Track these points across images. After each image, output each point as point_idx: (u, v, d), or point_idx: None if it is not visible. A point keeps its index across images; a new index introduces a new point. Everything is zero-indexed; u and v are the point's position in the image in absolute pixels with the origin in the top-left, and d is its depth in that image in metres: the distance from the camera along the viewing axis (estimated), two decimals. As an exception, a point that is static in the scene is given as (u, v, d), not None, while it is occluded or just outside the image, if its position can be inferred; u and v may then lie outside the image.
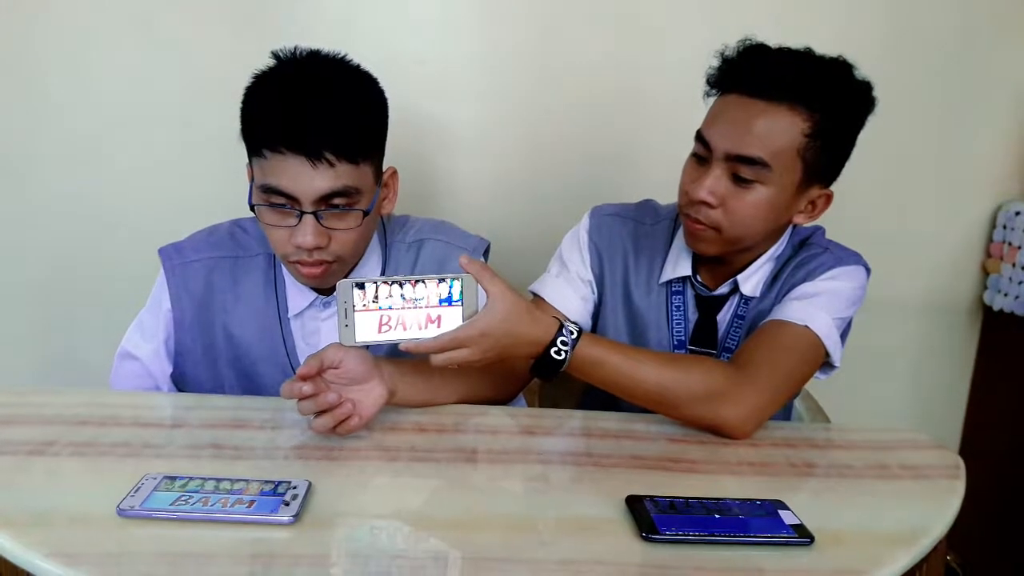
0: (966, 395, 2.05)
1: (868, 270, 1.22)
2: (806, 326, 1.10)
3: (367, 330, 0.94)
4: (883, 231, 1.89)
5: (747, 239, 1.15)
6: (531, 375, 1.03)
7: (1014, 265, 1.84)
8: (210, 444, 0.94)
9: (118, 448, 0.91)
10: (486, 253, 1.32)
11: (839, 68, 1.10)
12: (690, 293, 1.25)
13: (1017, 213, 1.84)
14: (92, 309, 1.80)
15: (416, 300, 0.95)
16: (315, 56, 1.10)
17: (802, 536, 0.78)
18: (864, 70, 1.72)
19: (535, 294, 1.29)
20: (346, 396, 0.95)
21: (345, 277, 1.19)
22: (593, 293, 1.30)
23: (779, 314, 1.14)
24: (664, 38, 1.68)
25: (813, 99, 1.06)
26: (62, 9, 1.64)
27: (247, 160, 1.12)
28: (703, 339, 1.24)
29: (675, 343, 1.25)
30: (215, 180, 1.74)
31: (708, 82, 1.16)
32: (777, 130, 1.07)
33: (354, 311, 0.94)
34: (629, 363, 1.02)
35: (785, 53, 1.11)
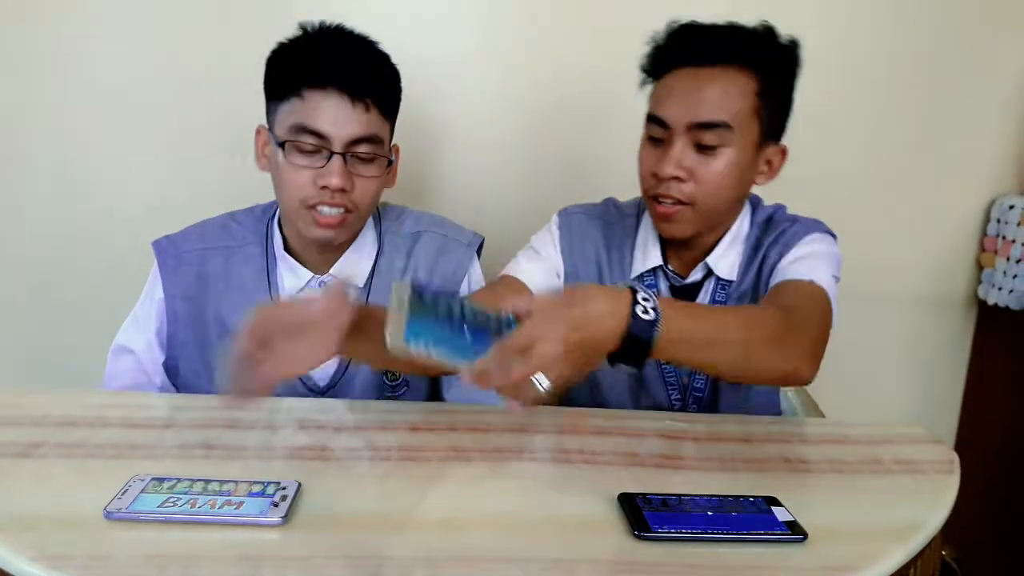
0: (961, 389, 2.05)
1: (834, 236, 1.24)
2: (811, 280, 1.10)
3: None
4: (877, 225, 1.89)
5: (720, 209, 1.16)
6: (613, 363, 0.84)
7: (1008, 259, 1.84)
8: (201, 444, 0.93)
9: (106, 449, 0.91)
10: (479, 249, 1.32)
11: (768, 31, 1.14)
12: (664, 284, 1.25)
13: (1011, 207, 1.84)
14: (83, 310, 1.79)
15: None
16: (342, 27, 1.17)
17: (795, 533, 0.78)
18: (858, 64, 1.72)
19: (505, 275, 1.24)
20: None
21: (342, 255, 1.24)
22: (562, 284, 1.27)
23: (780, 278, 1.13)
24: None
25: (756, 59, 1.11)
26: (54, 4, 1.63)
27: (262, 124, 1.19)
28: None
29: None
30: (208, 179, 1.75)
31: (644, 70, 1.18)
32: (732, 91, 1.10)
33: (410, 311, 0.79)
34: (709, 314, 0.94)
35: (717, 25, 1.14)
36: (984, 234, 1.93)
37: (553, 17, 1.71)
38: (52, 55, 1.66)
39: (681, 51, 1.13)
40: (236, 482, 0.82)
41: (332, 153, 1.11)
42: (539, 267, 1.24)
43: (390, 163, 1.20)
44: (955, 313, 2.00)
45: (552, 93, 1.75)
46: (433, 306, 0.80)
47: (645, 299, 0.82)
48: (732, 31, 1.12)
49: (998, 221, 1.88)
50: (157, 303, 1.24)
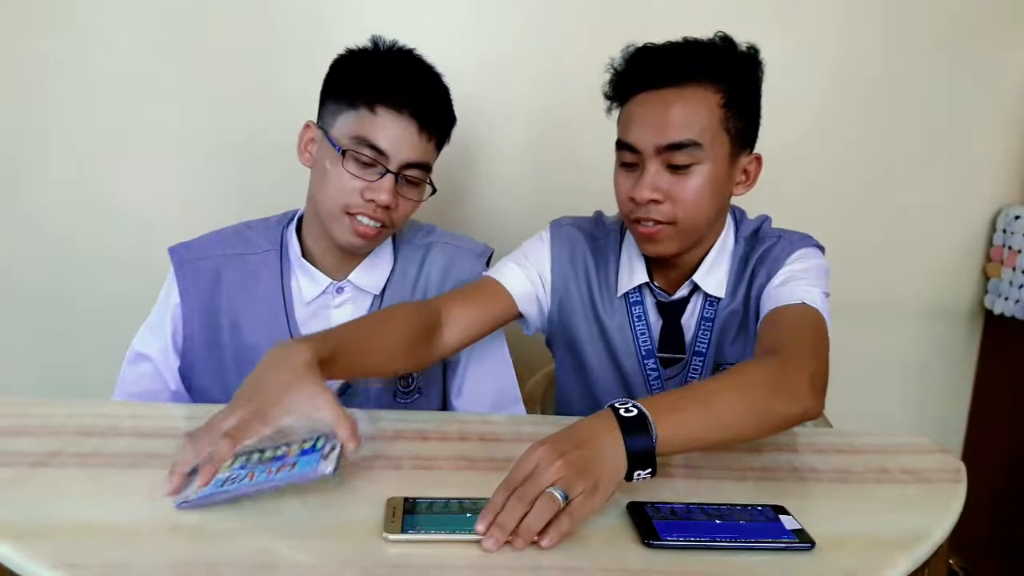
0: (968, 399, 2.06)
1: (822, 249, 1.24)
2: (802, 302, 1.10)
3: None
4: (884, 235, 1.90)
5: (701, 224, 1.16)
6: (629, 478, 0.83)
7: (1015, 269, 1.85)
8: (214, 454, 0.94)
9: (122, 459, 0.92)
10: (489, 261, 1.34)
11: (726, 42, 1.15)
12: (649, 301, 1.26)
13: (1017, 217, 1.85)
14: (96, 319, 1.80)
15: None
16: (413, 51, 1.22)
17: (803, 541, 0.79)
18: (864, 73, 1.73)
19: (487, 277, 1.28)
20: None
21: (360, 263, 1.27)
22: (546, 293, 1.29)
23: (771, 305, 1.14)
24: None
25: (715, 73, 1.11)
26: (65, 13, 1.65)
27: (311, 120, 1.22)
28: (671, 345, 1.25)
29: (643, 353, 1.25)
30: (219, 186, 1.76)
31: (607, 96, 1.20)
32: (696, 109, 1.10)
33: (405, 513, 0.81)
34: (699, 397, 0.90)
35: (673, 44, 1.15)
36: (990, 244, 1.94)
37: (569, 28, 1.73)
38: (60, 61, 1.68)
39: (641, 75, 1.14)
40: (288, 444, 0.86)
41: (387, 171, 1.15)
42: (524, 274, 1.27)
43: (434, 191, 1.25)
44: (961, 323, 2.00)
45: (565, 103, 1.76)
46: (428, 508, 0.81)
47: (622, 401, 0.85)
48: (690, 48, 1.13)
49: (1004, 231, 1.89)
50: (173, 308, 1.26)
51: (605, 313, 1.27)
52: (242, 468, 0.83)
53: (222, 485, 0.80)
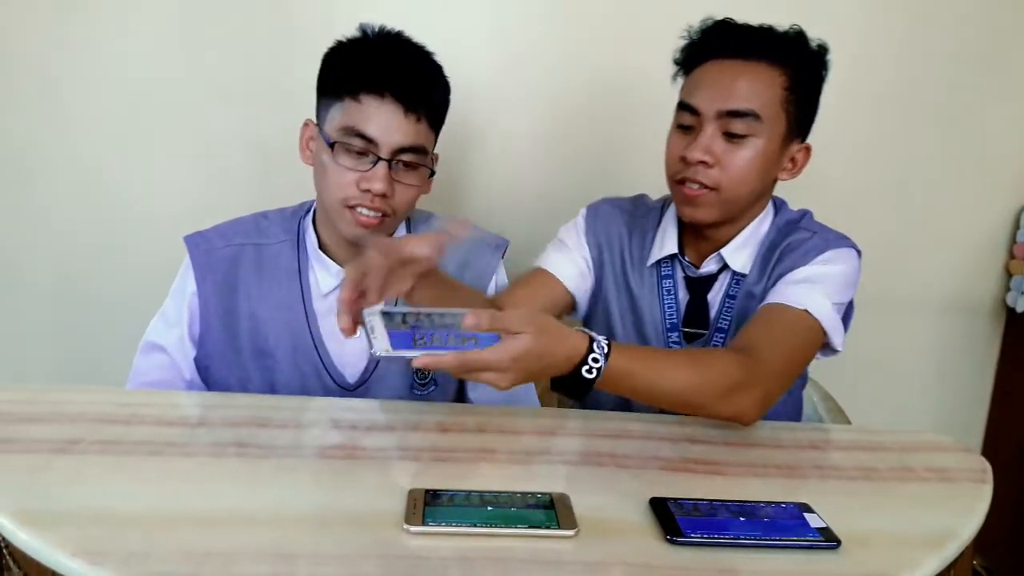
0: (988, 396, 2.04)
1: (859, 252, 1.23)
2: (805, 309, 1.11)
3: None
4: (905, 232, 1.88)
5: (743, 197, 1.18)
6: (554, 389, 0.95)
7: (1038, 266, 1.82)
8: (233, 442, 0.94)
9: (142, 446, 0.92)
10: (504, 253, 1.34)
11: (798, 33, 1.19)
12: (679, 275, 1.28)
13: (1041, 214, 1.82)
14: (108, 311, 1.81)
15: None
16: (402, 34, 1.21)
17: (828, 540, 0.78)
18: (885, 70, 1.71)
19: (538, 268, 1.31)
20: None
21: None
22: (590, 272, 1.32)
23: (777, 298, 1.14)
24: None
25: (785, 57, 1.15)
26: (75, 12, 1.65)
27: (310, 118, 1.22)
28: (695, 320, 1.26)
29: (668, 325, 1.26)
30: (232, 183, 1.75)
31: (677, 62, 1.23)
32: (762, 84, 1.14)
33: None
34: (657, 368, 0.97)
35: (750, 24, 1.18)
36: (1013, 241, 1.91)
37: (581, 22, 1.72)
38: (73, 61, 1.68)
39: (715, 44, 1.18)
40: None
41: (379, 158, 1.14)
42: (566, 258, 1.30)
43: (432, 173, 1.23)
44: (983, 320, 1.98)
45: (579, 97, 1.75)
46: (449, 500, 0.82)
47: (595, 358, 0.90)
48: (765, 30, 1.18)
49: (1027, 228, 1.87)
50: (189, 298, 1.25)
51: (635, 283, 1.29)
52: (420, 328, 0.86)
53: (412, 344, 0.83)
